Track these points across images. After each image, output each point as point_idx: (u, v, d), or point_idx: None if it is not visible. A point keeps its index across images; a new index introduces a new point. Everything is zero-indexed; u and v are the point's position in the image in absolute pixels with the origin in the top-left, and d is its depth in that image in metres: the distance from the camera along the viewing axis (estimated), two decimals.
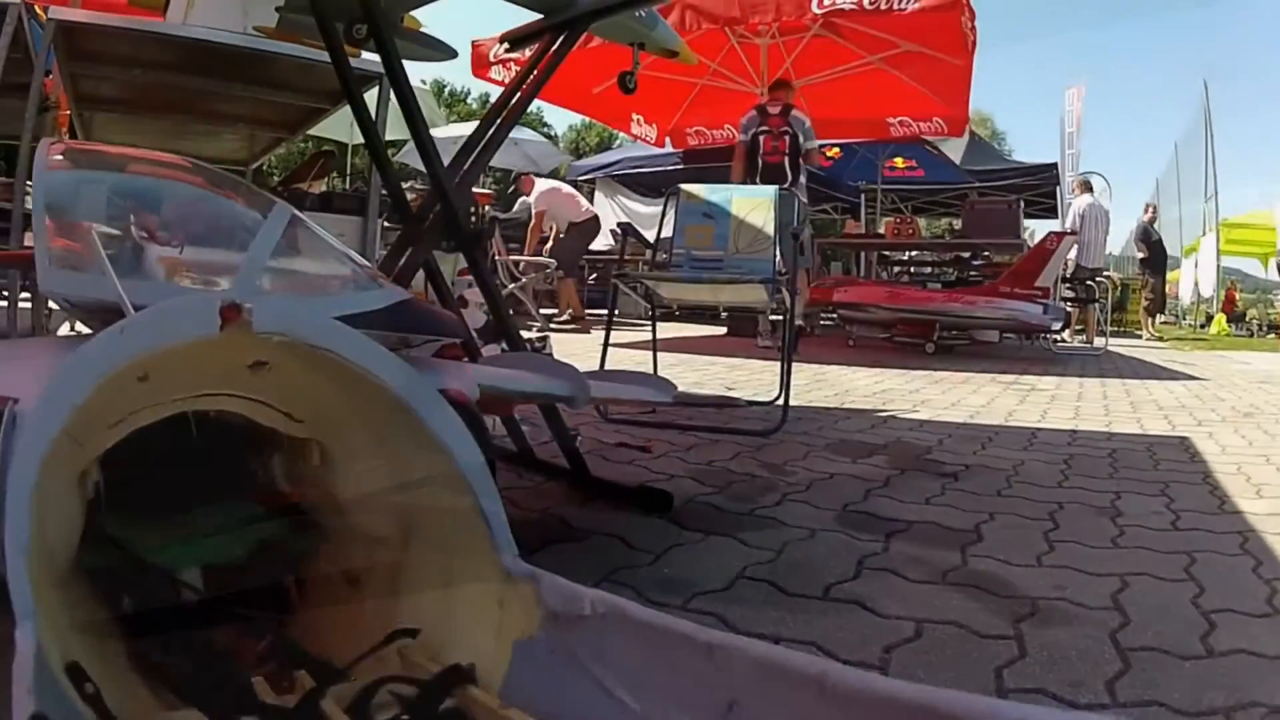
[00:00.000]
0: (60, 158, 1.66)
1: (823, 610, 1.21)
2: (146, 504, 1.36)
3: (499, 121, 2.01)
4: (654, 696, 0.65)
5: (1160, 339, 10.30)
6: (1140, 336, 10.32)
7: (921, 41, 5.97)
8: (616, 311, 3.06)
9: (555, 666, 0.74)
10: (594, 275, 9.21)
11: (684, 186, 3.29)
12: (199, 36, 2.65)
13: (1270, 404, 3.92)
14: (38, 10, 2.98)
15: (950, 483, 2.04)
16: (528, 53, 2.13)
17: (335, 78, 1.95)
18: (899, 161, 11.00)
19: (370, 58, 2.38)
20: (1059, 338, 7.37)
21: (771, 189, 3.33)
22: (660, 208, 3.38)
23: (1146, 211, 11.44)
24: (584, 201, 7.61)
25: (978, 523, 1.69)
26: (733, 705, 0.59)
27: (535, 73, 1.99)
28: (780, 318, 3.41)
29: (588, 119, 19.55)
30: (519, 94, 2.03)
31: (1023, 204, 7.49)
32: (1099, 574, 1.38)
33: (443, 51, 2.45)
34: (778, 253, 3.05)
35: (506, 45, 2.27)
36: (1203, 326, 15.40)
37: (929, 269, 8.77)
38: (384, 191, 2.77)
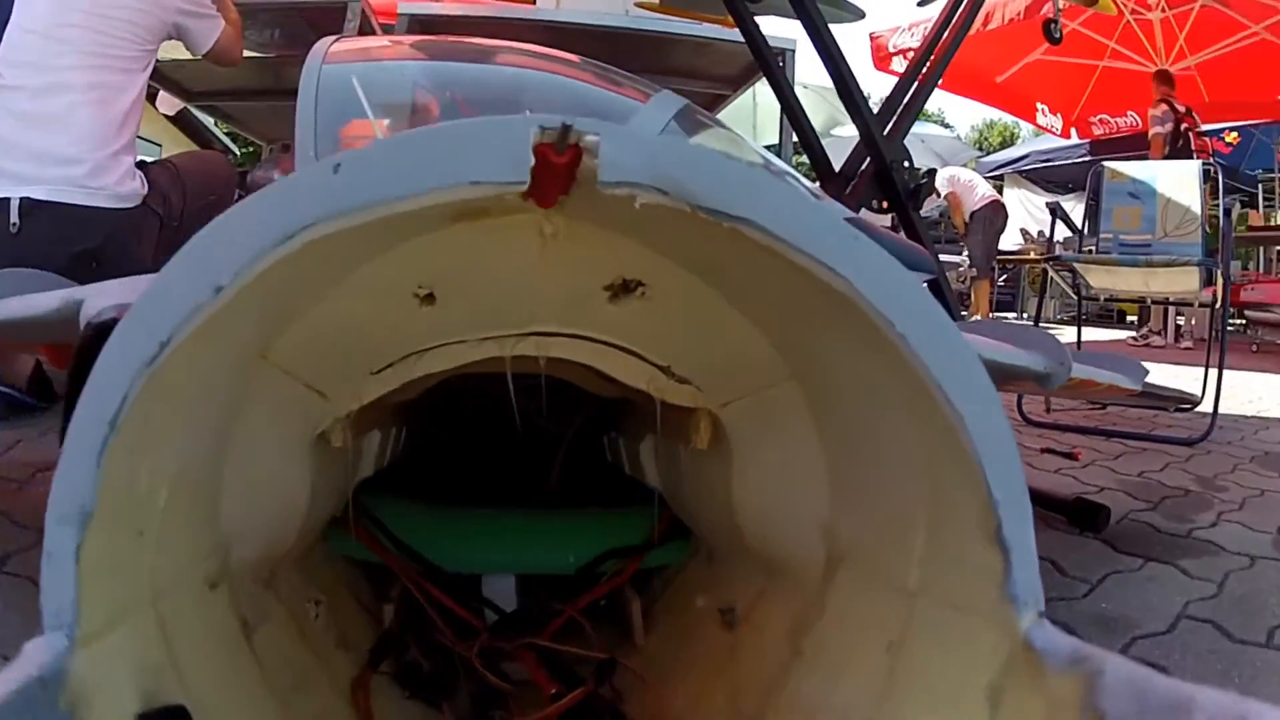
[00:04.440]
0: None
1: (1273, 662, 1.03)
2: (437, 483, 1.05)
3: (926, 66, 1.82)
4: None
5: None
6: None
7: None
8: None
9: None
10: (1004, 276, 8.33)
11: (1108, 164, 3.07)
12: (576, 21, 2.29)
13: None
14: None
15: None
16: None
17: (735, 59, 1.70)
18: None
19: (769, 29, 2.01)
20: None
21: (1195, 163, 2.99)
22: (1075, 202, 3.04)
23: None
24: (981, 187, 6.90)
25: None
26: None
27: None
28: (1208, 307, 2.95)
29: (989, 119, 18.89)
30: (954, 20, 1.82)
31: None
32: None
33: (851, 12, 2.17)
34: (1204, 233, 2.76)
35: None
36: None
37: None
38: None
